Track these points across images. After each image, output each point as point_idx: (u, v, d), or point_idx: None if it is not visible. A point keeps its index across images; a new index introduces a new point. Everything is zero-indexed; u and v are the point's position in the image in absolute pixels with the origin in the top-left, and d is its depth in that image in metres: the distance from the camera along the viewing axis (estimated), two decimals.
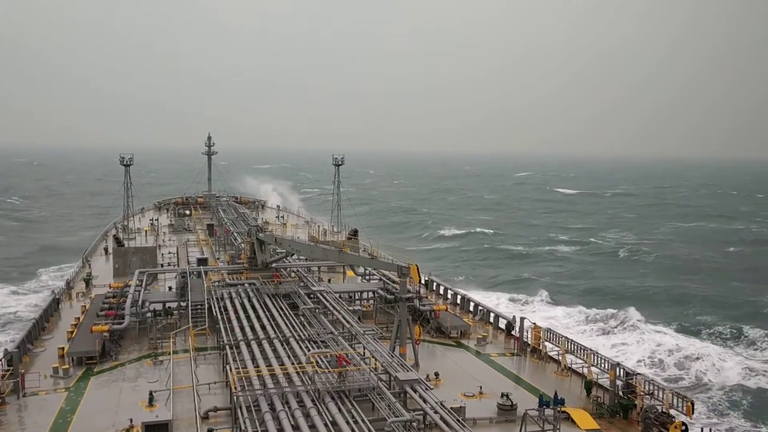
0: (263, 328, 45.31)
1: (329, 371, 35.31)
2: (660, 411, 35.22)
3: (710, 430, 35.79)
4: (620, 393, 38.63)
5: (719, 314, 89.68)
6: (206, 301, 53.28)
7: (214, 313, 49.64)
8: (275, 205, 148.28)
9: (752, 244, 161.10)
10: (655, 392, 37.04)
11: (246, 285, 56.96)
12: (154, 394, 38.18)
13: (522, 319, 51.65)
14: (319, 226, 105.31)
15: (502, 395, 38.04)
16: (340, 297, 56.08)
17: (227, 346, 41.94)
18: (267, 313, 49.09)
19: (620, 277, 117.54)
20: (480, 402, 38.89)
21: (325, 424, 30.55)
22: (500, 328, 55.37)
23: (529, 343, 49.43)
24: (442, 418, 31.58)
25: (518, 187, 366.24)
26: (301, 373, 36.20)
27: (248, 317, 47.76)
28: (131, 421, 34.41)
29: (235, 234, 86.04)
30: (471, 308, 61.16)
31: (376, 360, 38.90)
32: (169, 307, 55.79)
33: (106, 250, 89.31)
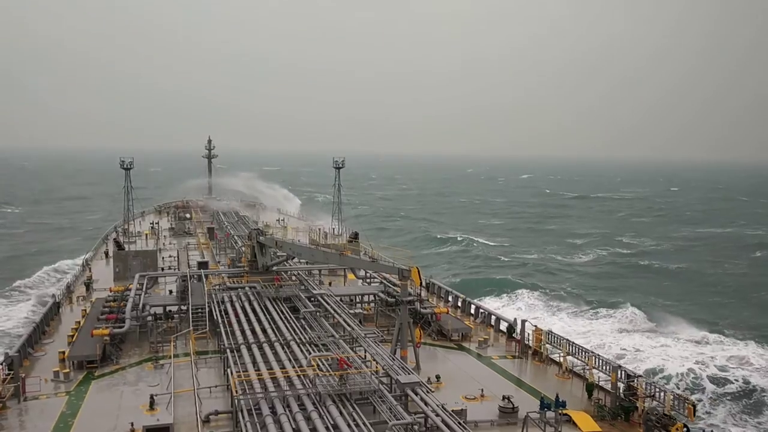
0: (264, 331, 45.29)
1: (330, 374, 35.26)
2: (662, 413, 35.19)
3: (711, 431, 35.74)
4: (622, 395, 38.59)
5: None
6: (207, 304, 53.24)
7: (215, 317, 49.63)
8: (276, 209, 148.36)
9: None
10: (657, 394, 37.00)
11: (247, 288, 56.96)
12: (155, 397, 38.09)
13: (523, 321, 51.63)
14: (319, 229, 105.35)
15: (504, 398, 37.98)
16: (341, 300, 56.01)
17: (228, 350, 41.92)
18: (268, 316, 49.07)
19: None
20: (481, 405, 38.83)
21: (327, 428, 30.51)
22: (501, 331, 55.28)
23: (531, 345, 49.40)
24: (443, 421, 31.50)
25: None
26: (302, 376, 36.16)
27: (249, 320, 47.74)
28: (132, 425, 34.34)
29: (236, 237, 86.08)
30: (472, 311, 61.12)
31: (377, 363, 38.83)
32: (170, 311, 55.73)
33: (106, 253, 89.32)
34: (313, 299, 54.83)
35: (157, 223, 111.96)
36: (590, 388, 41.07)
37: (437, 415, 32.24)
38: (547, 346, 47.79)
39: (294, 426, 30.81)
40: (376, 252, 79.55)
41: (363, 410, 32.75)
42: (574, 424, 35.88)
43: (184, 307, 54.34)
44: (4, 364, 41.32)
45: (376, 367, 38.08)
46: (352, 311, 53.47)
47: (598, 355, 42.92)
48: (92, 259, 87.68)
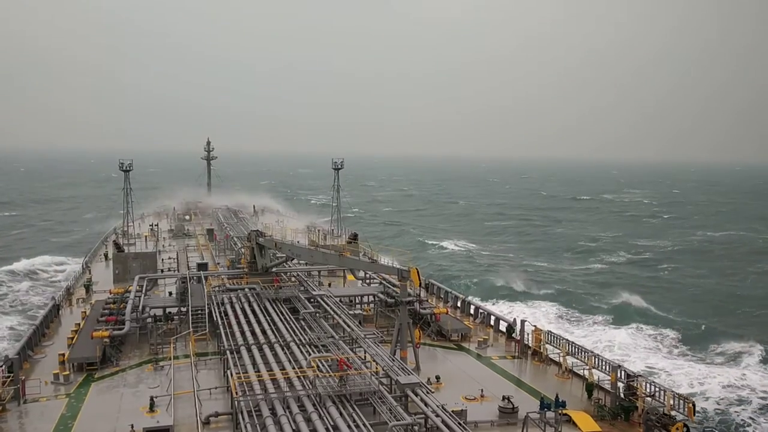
0: (264, 332, 45.31)
1: (330, 375, 35.25)
2: (661, 413, 35.21)
3: (712, 431, 35.78)
4: (621, 395, 38.63)
5: None
6: (207, 306, 53.25)
7: (215, 318, 49.65)
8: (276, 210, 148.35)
9: None
10: (657, 394, 37.03)
11: (246, 290, 56.96)
12: (155, 399, 38.08)
13: (523, 321, 51.66)
14: (319, 231, 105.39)
15: (504, 398, 38.02)
16: (340, 301, 56.01)
17: (228, 351, 41.93)
18: (267, 317, 49.08)
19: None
20: (481, 405, 38.84)
21: (327, 429, 30.52)
22: (501, 331, 55.32)
23: (530, 345, 49.43)
24: (443, 421, 31.50)
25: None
26: (302, 377, 36.17)
27: (249, 322, 47.76)
28: (132, 427, 34.33)
29: (235, 239, 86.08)
30: (471, 311, 61.15)
31: (377, 364, 38.86)
32: (170, 313, 55.72)
33: (106, 255, 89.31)
34: (312, 300, 54.83)
35: (157, 224, 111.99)
36: (590, 388, 41.10)
37: (437, 415, 32.23)
38: (547, 345, 47.84)
39: (294, 427, 30.80)
40: (375, 253, 79.63)
41: (363, 411, 32.77)
42: (574, 424, 35.90)
43: (183, 309, 54.31)
44: (3, 366, 41.32)
45: (376, 368, 38.11)
46: (351, 312, 53.48)
47: (598, 354, 42.99)
48: (92, 261, 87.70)
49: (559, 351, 46.33)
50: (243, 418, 31.88)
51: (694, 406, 35.14)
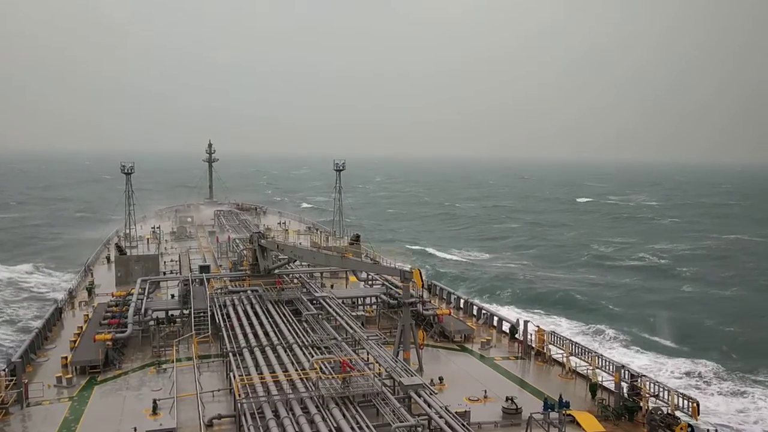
0: (266, 334, 45.30)
1: (333, 377, 35.22)
2: (665, 413, 35.11)
3: (716, 430, 35.65)
4: (625, 395, 38.50)
5: None
6: (209, 308, 53.22)
7: (217, 321, 49.64)
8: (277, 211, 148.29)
9: None
10: (661, 394, 36.92)
11: (248, 292, 56.99)
12: (157, 402, 38.07)
13: (525, 322, 51.54)
14: (321, 232, 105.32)
15: (507, 399, 37.91)
16: (342, 302, 55.95)
17: (230, 354, 41.91)
18: (270, 319, 49.08)
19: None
20: (485, 406, 38.75)
21: (330, 431, 30.50)
22: (504, 332, 55.25)
23: (533, 346, 49.34)
24: (446, 422, 31.48)
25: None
26: (304, 379, 36.18)
27: (251, 324, 47.76)
28: (135, 429, 34.32)
29: (237, 241, 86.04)
30: (474, 312, 61.05)
31: (379, 365, 38.83)
32: (172, 315, 55.73)
33: (108, 258, 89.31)
34: (315, 302, 54.79)
35: (159, 227, 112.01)
36: (594, 388, 40.98)
37: (440, 416, 32.22)
38: (550, 346, 47.75)
39: (297, 429, 30.77)
40: (378, 254, 79.57)
41: (366, 413, 32.75)
42: (578, 424, 35.85)
43: (186, 311, 54.32)
44: (6, 369, 41.33)
45: (379, 370, 38.07)
46: (354, 314, 53.49)
47: (601, 355, 42.88)
48: (94, 264, 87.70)
49: (562, 351, 46.24)
50: (246, 421, 31.86)
51: (698, 405, 35.01)
